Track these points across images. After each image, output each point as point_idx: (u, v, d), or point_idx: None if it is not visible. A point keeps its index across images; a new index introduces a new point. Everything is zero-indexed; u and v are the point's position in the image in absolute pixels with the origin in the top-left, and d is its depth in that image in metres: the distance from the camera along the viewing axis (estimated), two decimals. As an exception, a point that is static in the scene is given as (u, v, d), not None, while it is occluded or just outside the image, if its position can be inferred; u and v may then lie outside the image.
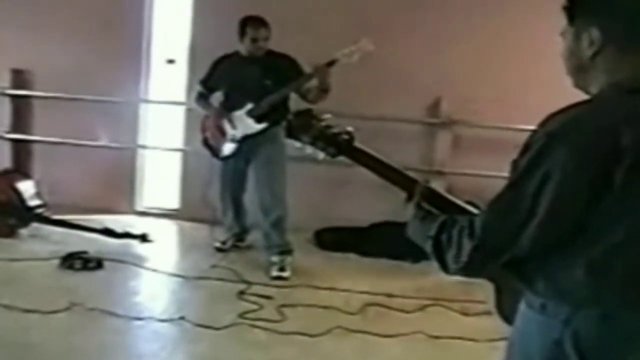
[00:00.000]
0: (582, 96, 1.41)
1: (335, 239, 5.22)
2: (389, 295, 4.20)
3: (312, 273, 4.61)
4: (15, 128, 5.93)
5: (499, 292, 1.63)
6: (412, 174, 1.68)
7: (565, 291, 1.34)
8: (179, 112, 5.86)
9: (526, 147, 1.33)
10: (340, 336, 3.62)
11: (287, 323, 3.73)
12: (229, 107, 4.63)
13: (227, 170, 4.79)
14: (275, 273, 4.48)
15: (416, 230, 1.56)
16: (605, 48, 1.36)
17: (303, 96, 4.40)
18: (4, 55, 5.76)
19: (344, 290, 4.26)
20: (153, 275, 4.43)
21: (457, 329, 3.73)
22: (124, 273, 4.40)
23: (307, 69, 4.42)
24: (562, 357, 1.34)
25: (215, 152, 4.75)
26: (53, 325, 3.51)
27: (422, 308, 4.08)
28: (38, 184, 5.29)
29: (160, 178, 6.17)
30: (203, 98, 4.80)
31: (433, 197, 1.62)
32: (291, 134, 1.73)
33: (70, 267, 4.35)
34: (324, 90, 4.31)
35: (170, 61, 6.11)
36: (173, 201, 5.94)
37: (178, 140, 5.89)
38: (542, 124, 1.33)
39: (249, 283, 4.29)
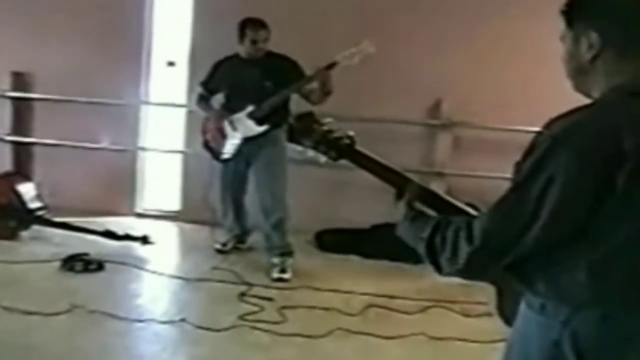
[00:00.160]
0: (581, 98, 1.42)
1: (336, 241, 5.23)
2: (390, 297, 4.21)
3: (312, 275, 4.61)
4: (16, 130, 5.94)
5: (500, 293, 1.63)
6: (414, 177, 1.68)
7: (566, 292, 1.34)
8: (180, 115, 5.87)
9: (530, 150, 1.33)
10: (341, 338, 3.62)
11: (287, 325, 3.73)
12: (229, 109, 4.64)
13: (227, 172, 4.80)
14: (276, 275, 4.48)
15: (407, 230, 1.56)
16: (604, 52, 1.36)
17: (306, 97, 4.40)
18: (5, 57, 5.77)
19: (344, 292, 4.26)
20: (154, 277, 4.44)
21: (458, 331, 3.73)
22: (124, 275, 4.41)
23: (307, 70, 4.42)
24: (560, 358, 1.34)
25: (215, 154, 4.75)
26: (54, 327, 3.51)
27: (423, 309, 4.08)
28: (39, 186, 5.30)
29: (161, 180, 6.18)
30: (204, 100, 4.80)
31: (429, 197, 1.62)
32: (293, 138, 1.74)
33: (71, 269, 4.35)
34: (325, 92, 4.31)
35: (171, 63, 6.12)
36: (174, 203, 5.94)
37: (179, 143, 5.90)
38: (546, 127, 1.33)
39: (250, 285, 4.29)
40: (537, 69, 4.87)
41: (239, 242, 5.04)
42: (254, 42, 4.46)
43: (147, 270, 4.51)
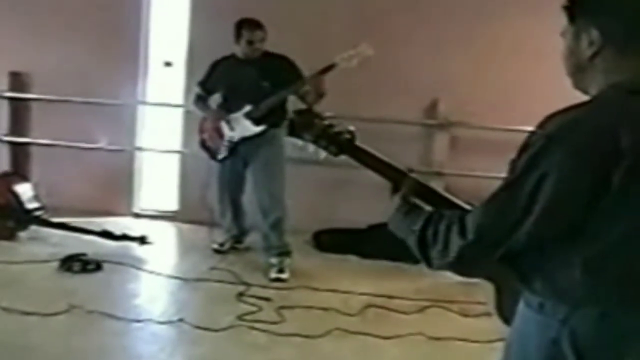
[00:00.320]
0: (580, 97, 1.42)
1: (334, 241, 5.22)
2: (388, 297, 4.21)
3: (311, 274, 4.61)
4: (13, 131, 5.93)
5: (499, 293, 1.63)
6: (414, 174, 1.67)
7: (562, 290, 1.34)
8: (177, 115, 5.87)
9: (524, 147, 1.33)
10: (340, 338, 3.62)
11: (286, 325, 3.73)
12: (227, 109, 4.64)
13: (224, 172, 4.80)
14: (274, 275, 4.48)
15: (399, 223, 1.55)
16: (604, 49, 1.36)
17: (301, 98, 4.40)
18: (2, 58, 5.76)
19: (343, 292, 4.26)
20: (152, 277, 4.43)
21: (456, 330, 3.73)
22: (122, 275, 4.40)
23: (305, 70, 4.42)
24: (559, 357, 1.35)
25: (213, 154, 4.75)
26: (52, 327, 3.51)
27: (422, 309, 4.08)
28: (36, 187, 5.29)
29: (159, 180, 6.17)
30: (201, 100, 4.80)
31: (426, 193, 1.62)
32: (293, 132, 1.73)
33: (69, 269, 4.35)
34: (319, 95, 4.33)
35: (168, 64, 6.12)
36: (171, 203, 5.94)
37: (176, 143, 5.89)
38: (541, 125, 1.33)
39: (248, 285, 4.29)
40: (535, 69, 4.88)
41: (236, 242, 5.04)
42: (250, 42, 4.46)
43: (145, 271, 4.50)
